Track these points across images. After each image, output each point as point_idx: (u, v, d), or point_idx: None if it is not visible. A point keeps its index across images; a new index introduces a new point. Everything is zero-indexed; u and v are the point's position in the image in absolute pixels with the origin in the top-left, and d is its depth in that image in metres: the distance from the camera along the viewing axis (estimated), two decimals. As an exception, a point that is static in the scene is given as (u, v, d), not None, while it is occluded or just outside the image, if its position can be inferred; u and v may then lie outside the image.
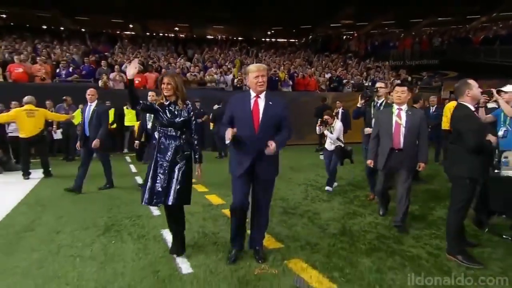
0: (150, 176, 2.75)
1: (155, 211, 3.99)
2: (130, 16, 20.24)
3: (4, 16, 18.61)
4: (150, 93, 5.39)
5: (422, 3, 16.95)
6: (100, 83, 9.95)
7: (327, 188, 5.24)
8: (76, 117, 7.69)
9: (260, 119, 2.60)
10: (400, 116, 3.43)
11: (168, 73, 2.94)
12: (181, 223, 2.93)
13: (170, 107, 2.80)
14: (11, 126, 7.16)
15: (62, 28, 19.36)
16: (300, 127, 9.68)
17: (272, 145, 2.45)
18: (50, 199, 4.70)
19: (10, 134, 7.17)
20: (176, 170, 2.75)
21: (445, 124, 5.86)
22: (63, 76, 9.79)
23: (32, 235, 3.35)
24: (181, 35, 21.27)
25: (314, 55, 15.90)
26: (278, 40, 21.35)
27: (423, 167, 3.51)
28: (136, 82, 9.91)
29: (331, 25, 20.11)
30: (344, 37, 20.32)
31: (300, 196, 4.89)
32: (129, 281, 2.43)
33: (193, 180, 2.92)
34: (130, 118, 9.30)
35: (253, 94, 2.66)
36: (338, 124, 4.98)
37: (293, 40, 21.72)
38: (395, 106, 3.50)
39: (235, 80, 11.40)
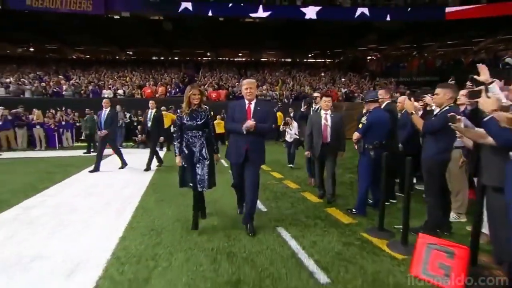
0: (187, 169, 3.18)
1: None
2: (207, 46, 25.49)
3: (131, 53, 25.54)
4: (150, 102, 6.90)
5: (434, 28, 18.65)
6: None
7: (289, 165, 6.67)
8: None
9: (251, 118, 3.05)
10: (326, 119, 4.07)
11: (194, 86, 3.27)
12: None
13: (193, 113, 3.16)
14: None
15: (162, 58, 25.63)
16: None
17: (250, 122, 2.94)
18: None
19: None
20: (206, 162, 3.15)
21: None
22: (172, 93, 14.90)
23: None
24: (243, 59, 25.94)
25: (339, 75, 18.98)
26: (316, 60, 24.69)
27: (341, 155, 4.19)
28: (214, 96, 14.70)
29: (359, 48, 22.70)
30: (369, 58, 22.66)
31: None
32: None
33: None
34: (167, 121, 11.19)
35: (246, 101, 3.15)
36: (295, 124, 6.47)
37: (329, 60, 24.76)
38: (323, 111, 4.11)
39: (278, 94, 15.36)
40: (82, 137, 11.39)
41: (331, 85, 16.40)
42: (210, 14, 16.28)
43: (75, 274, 2.33)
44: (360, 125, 3.65)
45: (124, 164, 6.79)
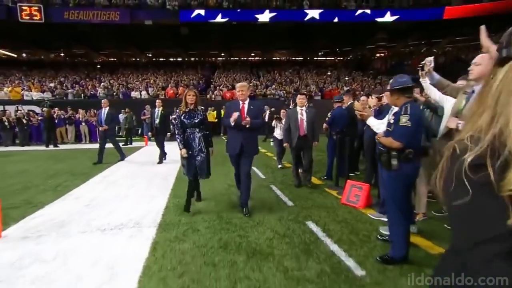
0: (187, 161, 3.72)
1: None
2: (221, 48, 27.41)
3: (150, 55, 27.94)
4: (157, 101, 7.51)
5: (442, 25, 19.70)
6: (208, 96, 16.83)
7: (279, 166, 6.62)
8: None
9: (246, 115, 3.65)
10: (302, 114, 4.74)
11: (190, 88, 3.79)
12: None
13: (191, 113, 3.69)
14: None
15: (180, 59, 27.85)
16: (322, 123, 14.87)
17: (247, 119, 3.58)
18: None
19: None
20: (203, 155, 3.71)
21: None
22: (192, 93, 16.95)
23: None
24: (255, 59, 27.76)
25: (345, 73, 20.44)
26: (326, 58, 26.15)
27: (316, 145, 4.94)
28: (228, 95, 16.62)
29: (367, 46, 23.97)
30: (376, 55, 23.87)
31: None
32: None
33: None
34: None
35: (240, 101, 3.74)
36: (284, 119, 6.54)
37: (339, 58, 26.13)
38: (299, 107, 4.79)
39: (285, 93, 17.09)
40: (118, 133, 13.61)
41: (335, 83, 17.90)
42: (221, 20, 18.12)
43: (145, 216, 4.24)
44: (327, 119, 5.40)
45: (122, 157, 7.69)
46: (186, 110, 3.70)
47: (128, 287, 2.20)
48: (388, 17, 19.02)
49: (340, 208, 3.95)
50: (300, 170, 5.10)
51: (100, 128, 7.44)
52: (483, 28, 1.29)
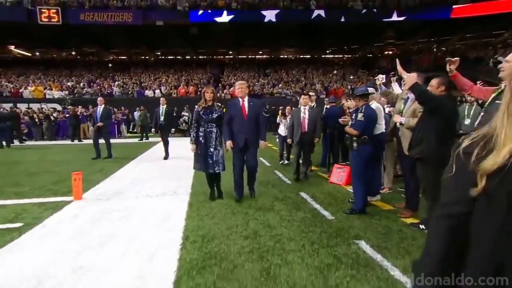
0: (201, 155, 4.15)
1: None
2: (230, 46, 28.83)
3: (159, 53, 29.62)
4: (161, 99, 8.26)
5: (452, 23, 20.68)
6: (217, 94, 18.32)
7: (284, 162, 7.33)
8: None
9: (247, 112, 4.08)
10: (305, 113, 5.39)
11: (208, 86, 4.25)
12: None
13: (209, 109, 4.11)
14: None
15: (188, 57, 29.44)
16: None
17: (262, 143, 4.22)
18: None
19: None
20: (220, 149, 4.13)
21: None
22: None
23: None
24: (263, 57, 29.16)
25: (351, 72, 21.66)
26: (334, 56, 27.39)
27: (317, 140, 5.61)
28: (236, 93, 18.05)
29: (375, 44, 25.11)
30: (385, 53, 25.00)
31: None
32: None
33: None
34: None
35: (240, 99, 4.18)
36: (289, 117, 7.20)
37: (347, 56, 27.33)
38: (302, 107, 5.43)
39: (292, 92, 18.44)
40: (131, 129, 15.25)
41: (341, 82, 19.16)
42: (229, 19, 19.50)
43: (178, 188, 5.68)
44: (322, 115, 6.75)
45: (109, 155, 8.14)
46: (205, 106, 4.14)
47: (180, 222, 3.62)
48: (395, 18, 20.17)
49: (327, 185, 5.32)
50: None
51: (96, 125, 7.97)
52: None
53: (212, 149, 4.16)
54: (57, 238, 3.18)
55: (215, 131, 4.18)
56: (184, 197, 4.67)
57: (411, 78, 3.11)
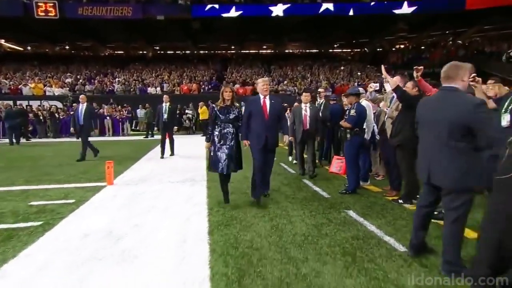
0: (219, 155, 4.30)
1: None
2: (233, 40, 30.04)
3: (158, 48, 30.99)
4: (164, 96, 8.76)
5: (468, 14, 21.71)
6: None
7: (293, 161, 7.77)
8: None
9: (268, 111, 4.35)
10: (306, 110, 5.99)
11: (226, 85, 4.60)
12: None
13: (227, 109, 4.33)
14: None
15: (188, 52, 30.77)
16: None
17: (285, 137, 4.93)
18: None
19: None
20: (235, 149, 4.35)
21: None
22: (206, 89, 19.76)
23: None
24: (267, 51, 30.43)
25: (359, 67, 22.86)
26: (343, 50, 28.62)
27: (318, 138, 6.34)
28: (241, 91, 19.31)
29: (385, 37, 26.29)
30: (396, 47, 26.22)
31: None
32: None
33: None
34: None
35: (261, 96, 4.41)
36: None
37: (356, 50, 28.53)
38: (303, 104, 6.04)
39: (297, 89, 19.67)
40: (134, 127, 16.60)
41: (347, 78, 20.39)
42: (235, 14, 20.77)
43: (196, 176, 6.93)
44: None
45: (82, 157, 8.48)
46: (223, 105, 4.36)
47: (203, 199, 4.85)
48: (406, 9, 21.29)
49: (327, 174, 6.56)
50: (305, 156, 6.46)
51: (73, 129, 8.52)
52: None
53: (227, 150, 4.31)
54: (108, 210, 4.44)
55: (232, 131, 4.36)
56: (202, 183, 5.92)
57: (394, 81, 4.31)
